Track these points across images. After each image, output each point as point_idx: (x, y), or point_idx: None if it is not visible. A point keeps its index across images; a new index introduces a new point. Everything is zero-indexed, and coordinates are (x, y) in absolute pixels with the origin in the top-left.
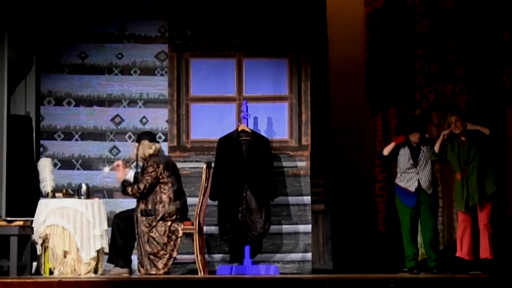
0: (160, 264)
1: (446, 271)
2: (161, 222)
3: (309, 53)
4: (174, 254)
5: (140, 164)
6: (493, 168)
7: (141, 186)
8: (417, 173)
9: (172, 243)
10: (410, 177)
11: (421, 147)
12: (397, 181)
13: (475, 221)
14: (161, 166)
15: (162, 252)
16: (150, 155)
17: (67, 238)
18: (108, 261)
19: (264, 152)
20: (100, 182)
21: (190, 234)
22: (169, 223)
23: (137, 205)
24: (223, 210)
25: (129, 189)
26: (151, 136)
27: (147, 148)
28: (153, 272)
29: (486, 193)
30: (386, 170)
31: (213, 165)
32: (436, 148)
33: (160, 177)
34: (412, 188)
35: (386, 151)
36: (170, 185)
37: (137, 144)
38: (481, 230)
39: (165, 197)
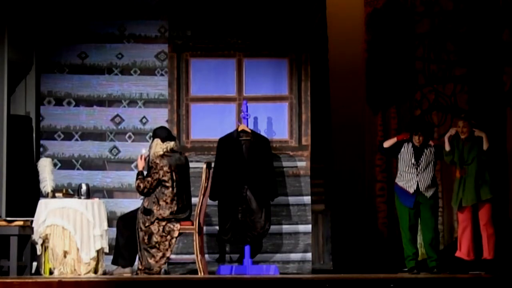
0: (152, 261)
1: (446, 271)
2: (155, 222)
3: (309, 53)
4: (168, 254)
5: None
6: (492, 175)
7: (141, 185)
8: (417, 174)
9: (166, 243)
10: (410, 178)
11: (424, 149)
12: (397, 180)
13: (476, 221)
14: (164, 169)
15: (154, 250)
16: (159, 155)
17: (67, 238)
18: (113, 263)
19: (264, 152)
20: (100, 182)
21: (190, 234)
22: (163, 223)
23: (142, 201)
24: (223, 210)
25: (136, 182)
26: (165, 133)
27: (158, 148)
28: (150, 263)
29: (480, 197)
30: (386, 170)
31: (213, 165)
32: (447, 146)
33: (162, 179)
34: (411, 189)
35: (387, 144)
36: (170, 189)
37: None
38: (481, 231)
39: (162, 201)
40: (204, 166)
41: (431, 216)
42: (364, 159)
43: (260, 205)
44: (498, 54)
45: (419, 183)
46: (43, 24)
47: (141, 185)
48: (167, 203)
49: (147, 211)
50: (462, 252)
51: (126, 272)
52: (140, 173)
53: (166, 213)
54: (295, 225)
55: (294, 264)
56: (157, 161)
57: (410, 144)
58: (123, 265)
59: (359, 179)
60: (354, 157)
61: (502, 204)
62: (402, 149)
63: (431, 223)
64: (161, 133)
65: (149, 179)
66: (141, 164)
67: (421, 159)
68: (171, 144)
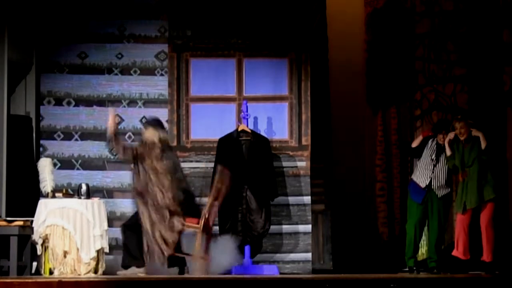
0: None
1: (446, 271)
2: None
3: (309, 53)
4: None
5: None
6: (493, 174)
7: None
8: (433, 171)
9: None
10: (425, 173)
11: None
12: (412, 176)
13: (474, 221)
14: (157, 150)
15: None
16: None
17: (67, 238)
18: (123, 266)
19: (264, 152)
20: (100, 182)
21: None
22: (167, 218)
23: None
24: (223, 210)
25: (114, 145)
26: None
27: (152, 136)
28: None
29: (483, 198)
30: (386, 170)
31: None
32: (447, 151)
33: (155, 154)
34: (423, 184)
35: (415, 143)
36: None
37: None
38: (481, 233)
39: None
40: (219, 168)
41: (438, 217)
42: (364, 159)
43: (260, 205)
44: (498, 54)
45: (432, 180)
46: (43, 24)
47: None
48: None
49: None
50: (459, 251)
51: (140, 272)
52: (115, 136)
53: (165, 202)
54: (295, 225)
55: (294, 264)
56: (155, 140)
57: (435, 141)
58: (137, 265)
59: (359, 179)
60: (354, 157)
61: (503, 206)
62: (426, 145)
63: (437, 224)
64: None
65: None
66: (112, 127)
67: (441, 157)
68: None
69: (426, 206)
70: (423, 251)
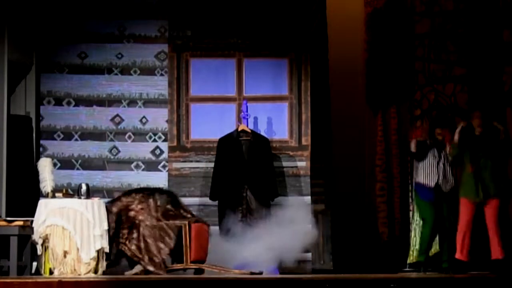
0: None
1: (457, 271)
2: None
3: (309, 53)
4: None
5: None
6: (495, 172)
7: None
8: (438, 168)
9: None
10: (432, 171)
11: (446, 144)
12: (417, 178)
13: (477, 222)
14: None
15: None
16: None
17: (67, 238)
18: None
19: (264, 152)
20: (100, 182)
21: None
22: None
23: None
24: (223, 210)
25: None
26: None
27: None
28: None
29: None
30: (386, 170)
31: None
32: (456, 137)
33: None
34: (432, 183)
35: (413, 148)
36: None
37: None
38: (489, 230)
39: None
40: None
41: (449, 214)
42: (364, 159)
43: (260, 205)
44: (498, 54)
45: (440, 177)
46: (43, 24)
47: None
48: None
49: None
50: (463, 254)
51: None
52: None
53: None
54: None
55: (294, 264)
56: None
57: (430, 141)
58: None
59: (359, 179)
60: (354, 157)
61: (503, 204)
62: (425, 148)
63: (449, 222)
64: None
65: None
66: None
67: (442, 153)
68: None
69: (437, 204)
70: (437, 247)
